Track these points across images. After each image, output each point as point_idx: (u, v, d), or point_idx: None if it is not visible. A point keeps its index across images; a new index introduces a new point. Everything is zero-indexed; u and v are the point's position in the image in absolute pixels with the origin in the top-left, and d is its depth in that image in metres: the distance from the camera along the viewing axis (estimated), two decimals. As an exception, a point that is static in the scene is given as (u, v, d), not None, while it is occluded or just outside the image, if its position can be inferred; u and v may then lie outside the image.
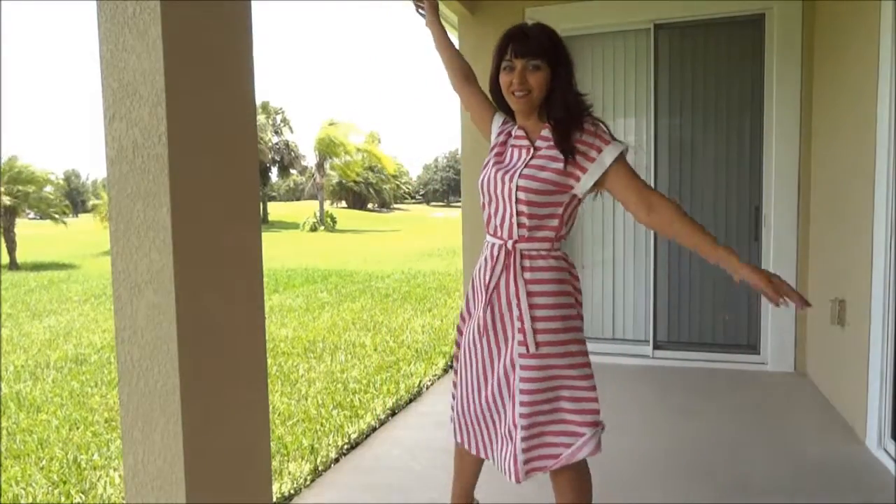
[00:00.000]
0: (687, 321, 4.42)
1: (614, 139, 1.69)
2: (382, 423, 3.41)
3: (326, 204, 37.45)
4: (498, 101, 1.84)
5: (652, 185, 4.30)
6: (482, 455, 1.89)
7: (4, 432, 3.63)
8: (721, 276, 4.29)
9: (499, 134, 1.84)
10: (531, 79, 1.67)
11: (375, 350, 5.33)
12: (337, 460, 2.93)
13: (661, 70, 4.32)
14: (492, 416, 1.81)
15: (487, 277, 1.76)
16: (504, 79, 1.71)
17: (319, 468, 2.83)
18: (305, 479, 2.71)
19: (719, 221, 4.29)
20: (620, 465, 2.76)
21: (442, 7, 4.40)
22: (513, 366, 1.72)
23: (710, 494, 2.49)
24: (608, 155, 1.65)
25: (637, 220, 1.70)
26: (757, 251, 4.17)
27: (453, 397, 1.97)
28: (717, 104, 4.29)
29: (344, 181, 38.64)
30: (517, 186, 1.67)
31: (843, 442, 2.96)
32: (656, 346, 4.40)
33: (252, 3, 1.70)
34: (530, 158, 1.69)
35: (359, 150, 33.76)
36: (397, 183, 58.32)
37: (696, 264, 4.32)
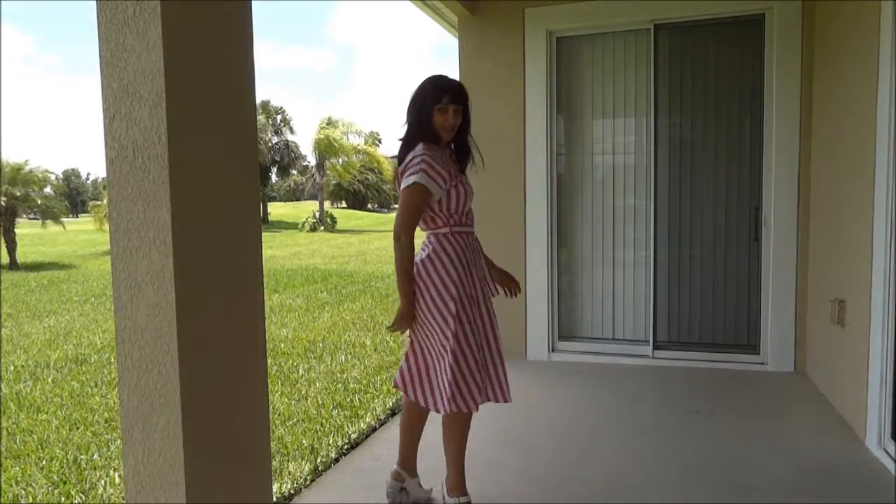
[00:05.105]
0: (687, 321, 4.41)
1: None
2: (382, 423, 3.41)
3: (326, 204, 37.38)
4: (424, 128, 2.30)
5: (652, 185, 4.34)
6: (488, 398, 2.35)
7: (4, 432, 3.63)
8: (721, 278, 4.28)
9: (442, 169, 2.28)
10: (457, 120, 2.31)
11: (375, 350, 5.33)
12: (337, 460, 2.93)
13: (661, 70, 4.32)
14: (485, 361, 2.34)
15: (475, 255, 2.38)
16: (440, 117, 2.27)
17: (319, 468, 2.83)
18: (305, 479, 2.71)
19: (719, 221, 4.28)
20: (620, 464, 2.76)
21: (442, 7, 4.41)
22: (492, 312, 2.37)
23: (709, 494, 2.49)
24: None
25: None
26: (757, 251, 4.15)
27: (457, 370, 2.24)
28: (717, 104, 4.29)
29: (343, 182, 38.58)
30: (472, 195, 2.39)
31: (843, 442, 2.96)
32: (656, 346, 4.40)
33: (252, 3, 1.70)
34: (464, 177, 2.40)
35: (357, 151, 33.60)
36: (398, 183, 58.06)
37: (696, 264, 4.33)
